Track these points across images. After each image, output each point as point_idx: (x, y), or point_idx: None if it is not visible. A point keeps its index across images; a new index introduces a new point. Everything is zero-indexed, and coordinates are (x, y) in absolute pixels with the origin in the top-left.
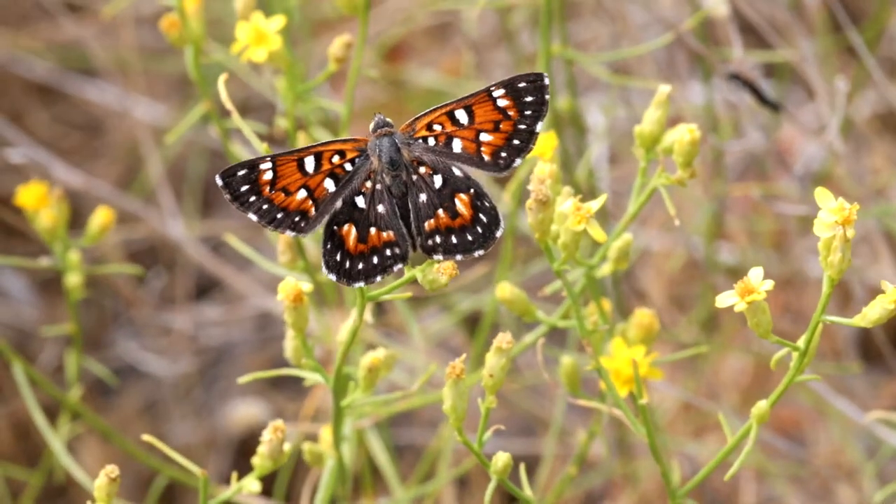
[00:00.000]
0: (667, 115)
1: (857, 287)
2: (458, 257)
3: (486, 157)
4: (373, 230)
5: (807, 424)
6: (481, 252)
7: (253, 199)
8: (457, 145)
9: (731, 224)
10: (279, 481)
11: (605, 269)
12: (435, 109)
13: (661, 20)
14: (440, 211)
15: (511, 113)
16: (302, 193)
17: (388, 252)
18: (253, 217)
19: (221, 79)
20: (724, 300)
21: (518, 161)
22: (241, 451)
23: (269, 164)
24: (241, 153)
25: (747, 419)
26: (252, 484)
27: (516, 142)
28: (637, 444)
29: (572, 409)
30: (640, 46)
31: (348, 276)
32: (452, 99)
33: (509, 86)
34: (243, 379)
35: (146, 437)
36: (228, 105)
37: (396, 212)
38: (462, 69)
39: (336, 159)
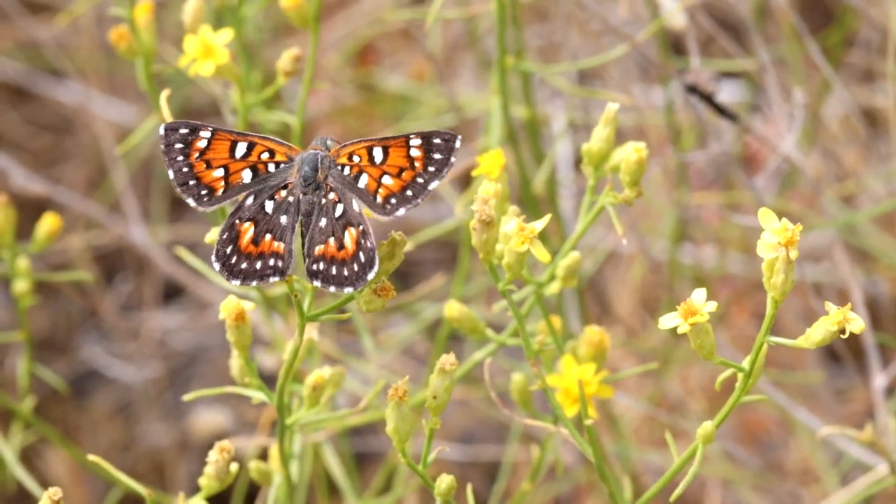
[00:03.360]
0: (616, 131)
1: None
2: (332, 289)
3: (379, 199)
4: (268, 237)
5: (774, 428)
6: (351, 290)
7: (179, 158)
8: (363, 181)
9: (700, 229)
10: (236, 494)
11: (554, 288)
12: (360, 141)
13: (618, 30)
14: (331, 240)
15: (417, 164)
16: (219, 172)
17: (271, 262)
18: (170, 174)
19: (163, 95)
20: (667, 322)
21: (402, 211)
22: None
23: (207, 134)
24: None
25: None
26: None
27: (409, 193)
28: (605, 451)
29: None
30: (598, 56)
31: (230, 271)
32: (381, 134)
33: (426, 138)
34: (188, 396)
35: (91, 457)
36: (170, 119)
37: (295, 228)
38: (426, 76)
39: (265, 156)
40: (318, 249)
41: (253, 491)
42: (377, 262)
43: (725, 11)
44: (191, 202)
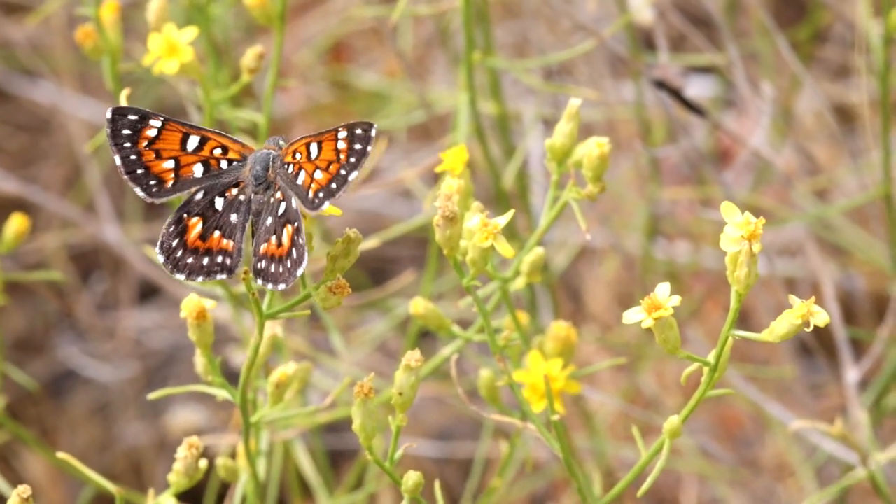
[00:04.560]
0: (579, 126)
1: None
2: (269, 286)
3: (310, 194)
4: (217, 233)
5: (749, 423)
6: (283, 287)
7: (127, 144)
8: (301, 177)
9: (673, 224)
10: (209, 492)
11: (519, 283)
12: (302, 138)
13: (585, 26)
14: (273, 237)
15: (342, 156)
16: (169, 164)
17: (219, 259)
18: (117, 160)
19: (124, 94)
20: (631, 316)
21: (326, 204)
22: None
23: (158, 123)
24: None
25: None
26: (167, 501)
27: (333, 185)
28: (579, 447)
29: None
30: (566, 52)
31: (174, 266)
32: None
33: (350, 129)
34: (153, 395)
35: (61, 455)
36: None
37: (244, 227)
38: (399, 73)
39: (217, 152)
40: (263, 248)
41: (226, 489)
42: (306, 259)
43: (697, 6)
44: (139, 192)
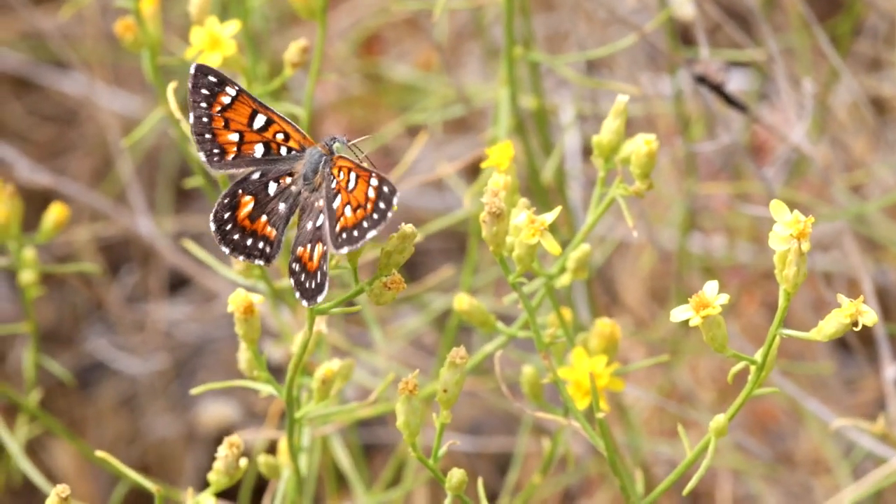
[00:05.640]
0: (626, 122)
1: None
2: (297, 294)
3: (337, 228)
4: (264, 218)
5: (784, 418)
6: (305, 304)
7: (203, 105)
8: (337, 201)
9: (709, 218)
10: (244, 488)
11: (564, 280)
12: (346, 161)
13: (625, 20)
14: (309, 245)
15: (369, 206)
16: (234, 136)
17: (260, 245)
18: (191, 117)
19: (170, 88)
20: (678, 314)
21: (346, 250)
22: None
23: (233, 92)
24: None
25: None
26: (207, 501)
27: (355, 233)
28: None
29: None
30: (606, 47)
31: (223, 237)
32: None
33: (380, 183)
34: (196, 390)
35: (99, 453)
36: (177, 114)
37: (289, 219)
38: (433, 65)
39: (279, 137)
40: (300, 251)
41: (261, 484)
42: (326, 289)
43: (733, 0)
44: (202, 156)
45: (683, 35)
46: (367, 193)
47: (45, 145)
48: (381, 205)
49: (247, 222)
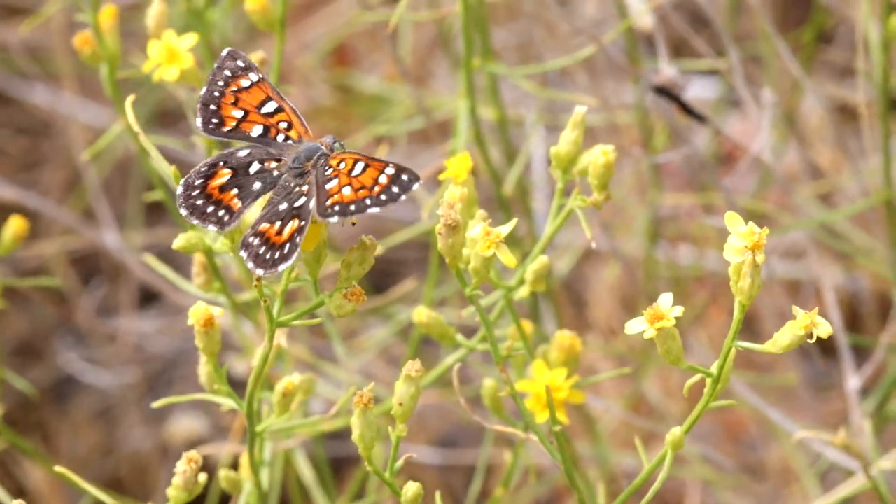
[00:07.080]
0: (584, 133)
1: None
2: (249, 264)
3: (328, 202)
4: (235, 191)
5: (755, 427)
6: (260, 272)
7: (220, 83)
8: (331, 183)
9: (676, 227)
10: (209, 501)
11: (523, 292)
12: (355, 154)
13: (584, 30)
14: (278, 223)
15: (377, 188)
16: (239, 112)
17: (220, 213)
18: (203, 89)
19: (129, 101)
20: (633, 326)
21: (335, 219)
22: None
23: (254, 79)
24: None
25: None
26: None
27: (351, 207)
28: (582, 454)
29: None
30: (565, 58)
31: (185, 200)
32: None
33: (398, 172)
34: (157, 404)
35: (58, 469)
36: (135, 127)
37: (258, 198)
38: (398, 77)
39: (282, 125)
40: (263, 227)
41: (227, 498)
42: (293, 260)
43: (699, 8)
44: (199, 122)
45: (649, 44)
46: (376, 179)
47: (15, 158)
48: (395, 189)
49: (216, 191)
